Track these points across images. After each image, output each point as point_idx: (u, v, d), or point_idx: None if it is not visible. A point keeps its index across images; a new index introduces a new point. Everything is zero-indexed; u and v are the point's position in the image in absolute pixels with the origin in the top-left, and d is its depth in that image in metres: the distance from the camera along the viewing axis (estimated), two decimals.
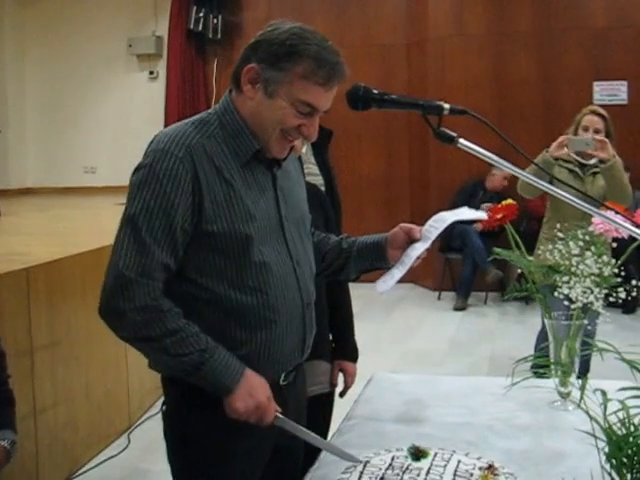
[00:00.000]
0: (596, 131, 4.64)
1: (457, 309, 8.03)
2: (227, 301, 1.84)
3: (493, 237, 7.28)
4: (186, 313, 1.81)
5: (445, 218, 2.05)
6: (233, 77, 1.89)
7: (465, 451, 1.87)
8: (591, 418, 1.42)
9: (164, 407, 2.01)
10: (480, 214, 2.14)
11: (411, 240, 2.05)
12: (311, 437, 1.92)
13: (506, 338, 6.72)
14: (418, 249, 2.00)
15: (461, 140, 1.74)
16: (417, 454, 1.84)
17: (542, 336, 4.89)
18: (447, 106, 1.78)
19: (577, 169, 4.72)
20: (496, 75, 8.90)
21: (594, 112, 4.71)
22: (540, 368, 2.26)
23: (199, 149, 1.80)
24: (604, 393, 1.41)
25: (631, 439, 1.36)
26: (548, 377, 2.22)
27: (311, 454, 2.04)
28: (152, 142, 1.85)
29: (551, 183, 5.06)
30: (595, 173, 4.72)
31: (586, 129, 4.66)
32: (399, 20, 9.56)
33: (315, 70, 1.77)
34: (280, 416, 1.88)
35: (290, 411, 1.96)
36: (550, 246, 2.25)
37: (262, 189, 1.89)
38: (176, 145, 1.79)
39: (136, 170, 1.82)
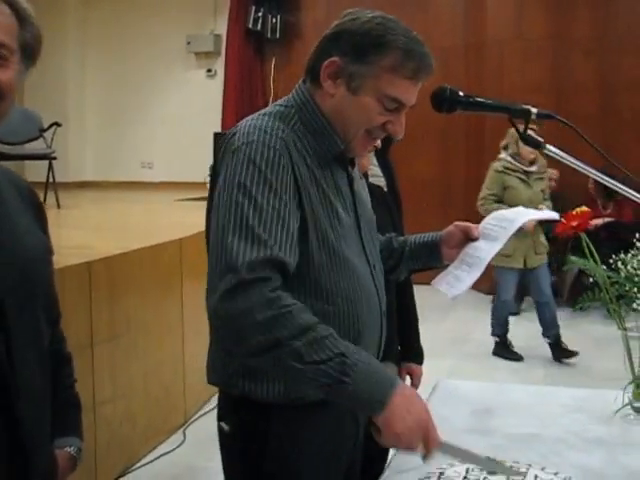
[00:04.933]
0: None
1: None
2: (316, 311, 1.56)
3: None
4: None
5: (509, 217, 1.97)
6: (310, 70, 1.74)
7: (539, 464, 1.82)
8: None
9: (227, 427, 1.80)
10: (549, 214, 2.07)
11: (468, 239, 1.96)
12: (479, 460, 1.66)
13: None
14: (486, 250, 1.91)
15: (548, 146, 1.73)
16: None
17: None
18: (535, 110, 1.74)
19: (524, 176, 6.21)
20: (554, 80, 8.79)
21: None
22: None
23: (291, 143, 1.65)
24: None
25: None
26: None
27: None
28: (234, 136, 1.66)
29: (505, 190, 6.14)
30: (537, 178, 6.26)
31: None
32: (457, 22, 9.47)
33: (404, 62, 1.63)
34: (445, 442, 1.54)
35: (362, 418, 1.85)
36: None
37: (341, 190, 1.76)
38: (270, 136, 1.62)
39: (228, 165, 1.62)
